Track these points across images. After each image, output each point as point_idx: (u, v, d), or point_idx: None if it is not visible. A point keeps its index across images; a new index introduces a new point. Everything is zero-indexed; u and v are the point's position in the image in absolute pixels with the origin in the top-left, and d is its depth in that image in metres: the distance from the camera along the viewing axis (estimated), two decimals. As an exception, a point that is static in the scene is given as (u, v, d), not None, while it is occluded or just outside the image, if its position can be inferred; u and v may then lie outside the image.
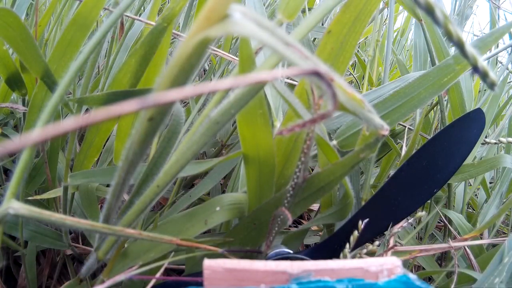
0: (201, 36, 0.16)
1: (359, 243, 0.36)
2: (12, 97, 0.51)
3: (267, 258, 0.35)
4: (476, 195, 0.72)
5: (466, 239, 0.44)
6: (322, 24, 0.89)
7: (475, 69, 0.21)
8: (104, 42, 0.33)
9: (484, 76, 0.21)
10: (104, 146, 0.47)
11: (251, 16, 0.16)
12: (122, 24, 0.52)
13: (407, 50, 1.31)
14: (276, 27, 0.16)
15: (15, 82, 0.43)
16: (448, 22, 0.20)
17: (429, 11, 0.20)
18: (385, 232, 0.38)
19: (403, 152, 0.52)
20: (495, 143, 0.56)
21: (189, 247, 0.28)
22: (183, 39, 0.16)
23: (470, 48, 0.20)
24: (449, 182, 0.53)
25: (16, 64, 0.42)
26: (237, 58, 0.51)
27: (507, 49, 0.63)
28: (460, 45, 0.20)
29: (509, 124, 0.69)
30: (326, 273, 0.20)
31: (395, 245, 0.37)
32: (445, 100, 0.55)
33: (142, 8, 0.71)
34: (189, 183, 0.68)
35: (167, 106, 0.19)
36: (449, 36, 0.20)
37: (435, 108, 0.62)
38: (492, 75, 0.21)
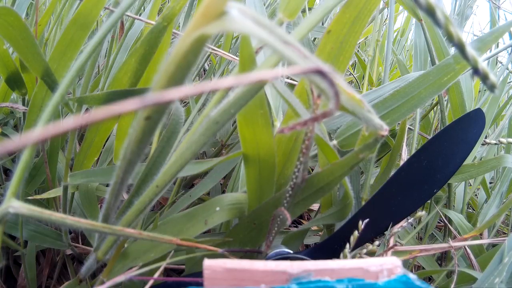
0: (198, 33, 0.16)
1: (359, 243, 0.36)
2: (12, 97, 0.51)
3: (267, 258, 0.35)
4: (476, 195, 0.72)
5: (466, 239, 0.44)
6: (322, 24, 0.89)
7: (476, 71, 0.21)
8: (104, 41, 0.33)
9: (484, 78, 0.21)
10: (104, 145, 0.47)
11: (248, 13, 0.16)
12: (122, 23, 0.52)
13: (407, 50, 1.31)
14: (274, 24, 0.16)
15: (15, 82, 0.43)
16: (449, 23, 0.20)
17: (430, 11, 0.20)
18: (385, 232, 0.38)
19: (403, 152, 0.52)
20: (495, 144, 0.56)
21: (189, 247, 0.28)
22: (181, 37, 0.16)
23: (470, 50, 0.20)
24: (449, 182, 0.53)
25: (16, 63, 0.42)
26: (237, 58, 0.51)
27: (507, 49, 0.63)
28: (460, 47, 0.20)
29: (509, 124, 0.69)
30: (326, 273, 0.20)
31: (395, 245, 0.37)
32: (445, 100, 0.55)
33: (142, 8, 0.71)
34: (189, 183, 0.68)
35: (164, 105, 0.19)
36: (449, 37, 0.20)
37: (435, 108, 0.62)
38: (493, 77, 0.21)
